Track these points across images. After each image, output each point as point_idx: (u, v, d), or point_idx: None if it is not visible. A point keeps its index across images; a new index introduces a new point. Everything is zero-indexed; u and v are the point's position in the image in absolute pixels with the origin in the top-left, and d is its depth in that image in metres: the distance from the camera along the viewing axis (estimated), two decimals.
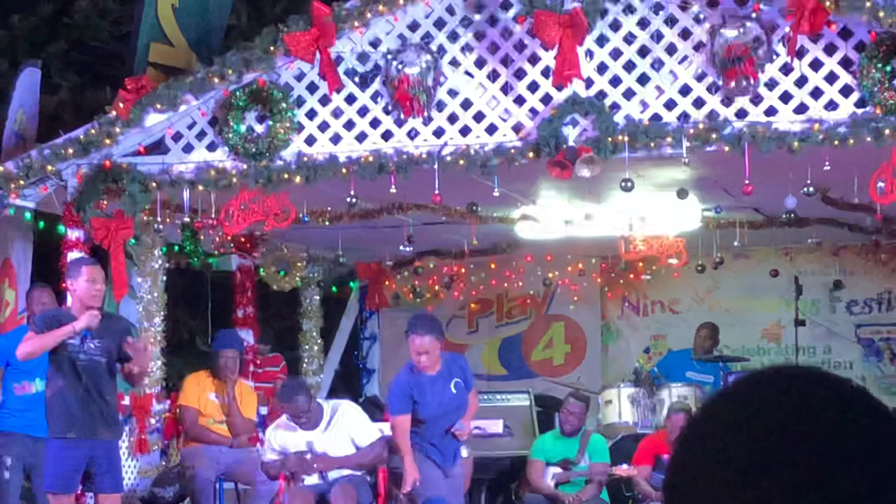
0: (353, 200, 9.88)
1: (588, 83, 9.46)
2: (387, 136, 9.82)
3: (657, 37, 9.45)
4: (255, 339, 13.51)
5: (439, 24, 9.77)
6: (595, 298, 15.80)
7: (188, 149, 10.17)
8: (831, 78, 9.13)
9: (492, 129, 9.68)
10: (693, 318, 15.51)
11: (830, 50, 9.13)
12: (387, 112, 9.83)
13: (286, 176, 9.86)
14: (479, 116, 9.70)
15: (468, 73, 9.78)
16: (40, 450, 9.09)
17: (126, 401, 10.55)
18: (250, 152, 9.89)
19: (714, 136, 9.17)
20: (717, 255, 13.67)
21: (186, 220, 10.84)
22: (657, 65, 9.46)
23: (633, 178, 9.42)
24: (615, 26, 9.49)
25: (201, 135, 10.15)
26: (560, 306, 15.83)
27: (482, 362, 15.50)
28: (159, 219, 10.41)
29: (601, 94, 9.48)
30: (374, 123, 9.86)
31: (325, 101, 9.94)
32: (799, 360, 14.07)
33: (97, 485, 8.67)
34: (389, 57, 9.73)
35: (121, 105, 10.06)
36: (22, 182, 10.26)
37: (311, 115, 9.97)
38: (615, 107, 9.43)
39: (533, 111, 9.60)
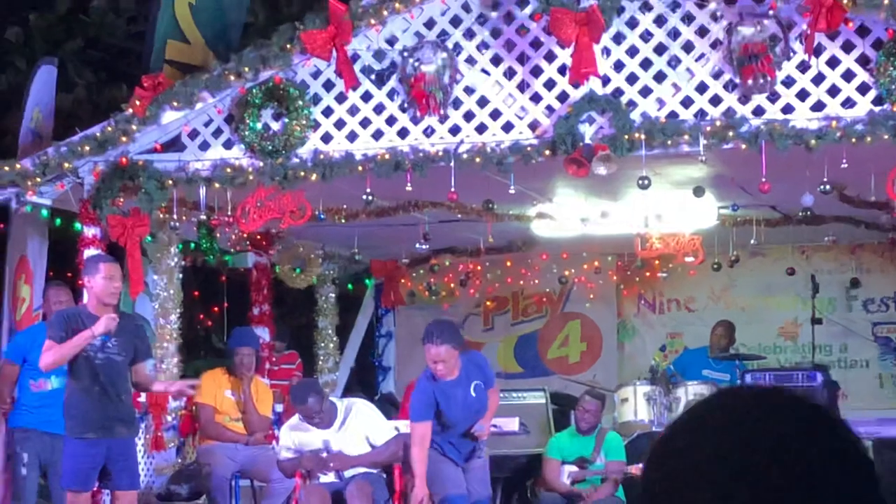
0: (369, 198, 9.87)
1: (605, 81, 9.44)
2: (403, 133, 9.81)
3: (674, 34, 9.43)
4: (270, 337, 13.52)
5: (455, 21, 9.76)
6: (611, 296, 15.79)
7: (204, 146, 10.17)
8: (848, 75, 9.10)
9: (508, 127, 9.66)
10: (709, 315, 15.49)
11: (848, 47, 9.10)
12: (403, 110, 9.82)
13: (302, 173, 9.86)
14: (495, 114, 9.68)
15: (484, 71, 9.76)
16: (57, 446, 9.12)
17: (142, 398, 10.58)
18: (266, 150, 9.89)
19: (731, 133, 9.14)
20: (734, 252, 13.66)
21: (202, 217, 10.85)
22: (674, 62, 9.44)
23: (649, 175, 9.39)
24: (632, 24, 9.47)
25: (217, 132, 10.15)
26: (576, 304, 15.84)
27: (498, 360, 15.51)
28: (175, 216, 10.41)
29: (618, 92, 9.45)
30: (391, 121, 9.86)
31: (341, 98, 9.93)
32: (815, 359, 14.04)
33: (114, 482, 8.69)
34: (405, 54, 9.72)
35: (137, 102, 10.07)
36: (38, 179, 10.26)
37: (328, 112, 9.97)
38: (632, 104, 9.41)
39: (549, 109, 9.58)
